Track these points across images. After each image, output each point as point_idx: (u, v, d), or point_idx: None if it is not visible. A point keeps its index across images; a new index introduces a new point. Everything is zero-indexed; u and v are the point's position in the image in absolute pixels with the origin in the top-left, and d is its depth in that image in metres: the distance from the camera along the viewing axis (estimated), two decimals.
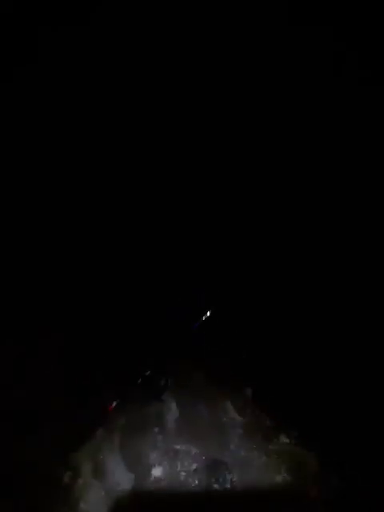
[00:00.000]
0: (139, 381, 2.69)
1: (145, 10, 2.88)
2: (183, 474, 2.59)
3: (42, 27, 2.87)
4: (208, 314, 2.97)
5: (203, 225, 3.28)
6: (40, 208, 3.18)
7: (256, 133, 3.12)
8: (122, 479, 2.52)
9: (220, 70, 3.01)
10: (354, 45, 2.81)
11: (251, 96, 3.04)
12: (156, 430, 2.72)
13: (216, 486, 2.57)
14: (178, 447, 2.67)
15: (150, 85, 3.07)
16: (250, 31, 2.90)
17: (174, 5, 2.84)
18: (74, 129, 3.11)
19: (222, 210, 3.29)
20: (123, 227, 3.28)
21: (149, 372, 2.71)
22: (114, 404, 2.59)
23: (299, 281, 3.17)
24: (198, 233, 3.28)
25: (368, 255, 3.04)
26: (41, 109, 3.06)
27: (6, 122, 3.03)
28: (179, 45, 2.94)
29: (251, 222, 3.30)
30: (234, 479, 2.61)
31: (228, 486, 2.58)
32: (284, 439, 2.81)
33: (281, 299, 3.16)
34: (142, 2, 2.88)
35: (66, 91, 3.04)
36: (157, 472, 2.57)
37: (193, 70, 3.02)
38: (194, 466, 2.61)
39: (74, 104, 3.07)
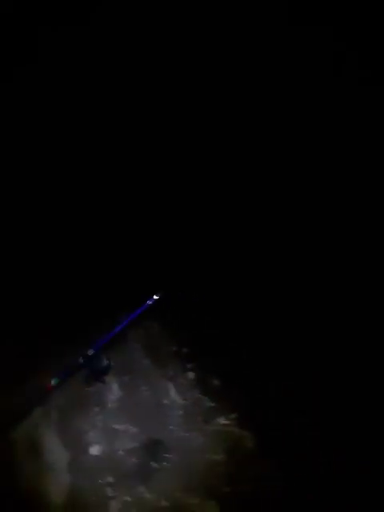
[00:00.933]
0: (81, 360, 2.71)
1: (145, 9, 2.90)
2: (121, 452, 2.63)
3: (42, 27, 2.87)
4: (155, 297, 3.03)
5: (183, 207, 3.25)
6: (40, 208, 3.15)
7: (255, 132, 3.14)
8: (58, 457, 2.53)
9: (220, 69, 3.03)
10: (354, 45, 2.82)
11: (251, 96, 3.07)
12: (96, 409, 2.75)
13: (153, 464, 2.63)
14: (117, 427, 2.71)
15: (150, 84, 3.09)
16: (249, 31, 2.92)
17: (174, 5, 2.87)
18: (74, 128, 3.10)
19: (218, 202, 3.27)
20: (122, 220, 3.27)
21: (91, 352, 2.74)
22: (54, 382, 2.61)
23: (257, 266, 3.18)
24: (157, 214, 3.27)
25: (364, 250, 3.01)
26: (41, 109, 3.04)
27: (6, 122, 3.00)
28: (179, 44, 2.97)
29: (246, 210, 3.26)
30: (172, 458, 2.67)
31: (165, 464, 2.64)
32: (223, 421, 2.89)
33: (227, 284, 3.22)
34: (142, 2, 2.90)
35: (66, 91, 3.03)
36: (94, 450, 2.60)
37: (193, 70, 3.04)
38: (132, 445, 2.66)
39: (74, 104, 3.06)
